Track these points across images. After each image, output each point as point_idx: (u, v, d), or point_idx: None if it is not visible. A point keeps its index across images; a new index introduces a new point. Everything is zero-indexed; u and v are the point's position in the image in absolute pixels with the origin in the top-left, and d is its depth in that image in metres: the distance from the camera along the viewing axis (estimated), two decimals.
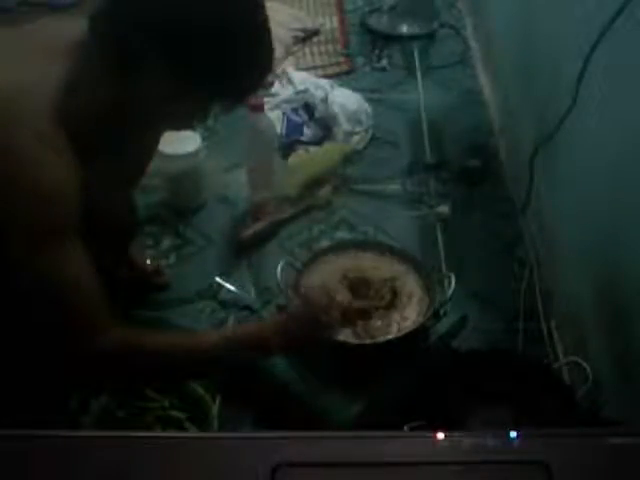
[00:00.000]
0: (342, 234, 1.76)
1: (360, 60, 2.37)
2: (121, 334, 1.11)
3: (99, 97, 1.06)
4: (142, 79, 1.05)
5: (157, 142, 1.44)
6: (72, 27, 1.09)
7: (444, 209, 1.80)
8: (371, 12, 2.56)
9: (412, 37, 2.46)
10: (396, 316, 1.40)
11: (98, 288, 1.08)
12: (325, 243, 1.71)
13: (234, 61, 1.06)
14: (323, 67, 2.32)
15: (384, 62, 2.35)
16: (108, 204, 1.19)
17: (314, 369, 1.32)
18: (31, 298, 1.05)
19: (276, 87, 2.13)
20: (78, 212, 1.04)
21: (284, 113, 2.01)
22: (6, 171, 0.99)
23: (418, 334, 1.35)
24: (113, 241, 1.38)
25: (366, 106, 2.06)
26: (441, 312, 1.39)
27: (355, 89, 2.12)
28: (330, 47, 2.42)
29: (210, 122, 2.03)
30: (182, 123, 1.25)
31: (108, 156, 1.12)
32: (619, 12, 1.15)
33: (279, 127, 1.96)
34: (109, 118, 1.09)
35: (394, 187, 1.87)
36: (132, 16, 1.03)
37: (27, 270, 1.03)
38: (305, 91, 2.05)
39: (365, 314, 1.38)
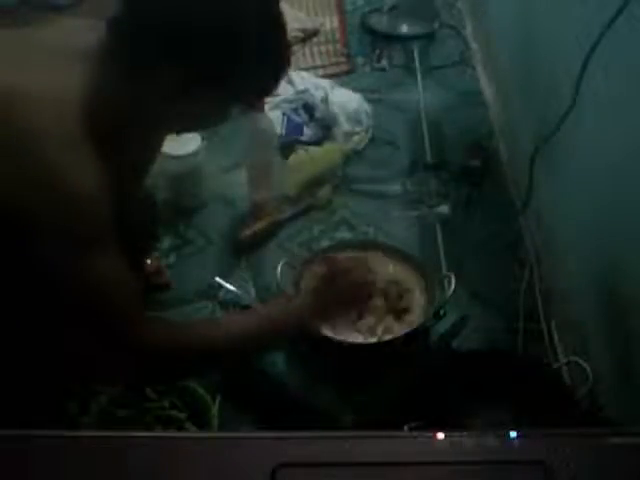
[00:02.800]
0: (342, 234, 1.76)
1: (360, 60, 2.37)
2: (166, 328, 1.12)
3: (120, 101, 1.06)
4: (161, 82, 1.05)
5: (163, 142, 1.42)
6: (84, 29, 1.09)
7: (444, 209, 1.80)
8: (371, 12, 2.56)
9: (412, 37, 2.46)
10: (397, 316, 1.40)
11: (136, 287, 1.09)
12: (325, 243, 1.71)
13: (252, 60, 1.06)
14: (323, 67, 2.32)
15: (384, 62, 2.35)
16: (129, 206, 1.19)
17: (314, 369, 1.32)
18: (70, 299, 1.06)
19: None
20: (110, 215, 1.04)
21: (284, 113, 2.01)
22: (40, 179, 0.98)
23: (418, 334, 1.35)
24: (135, 243, 1.38)
25: (366, 106, 2.06)
26: (441, 312, 1.39)
27: (355, 89, 2.12)
28: (330, 47, 2.42)
29: None
30: (201, 124, 1.25)
31: (128, 160, 1.12)
32: (619, 12, 1.15)
33: (279, 127, 1.95)
34: (130, 122, 1.08)
35: (394, 187, 1.87)
36: (150, 19, 1.02)
37: (68, 274, 1.03)
38: (305, 91, 2.05)
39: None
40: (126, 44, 1.04)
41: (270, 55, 1.09)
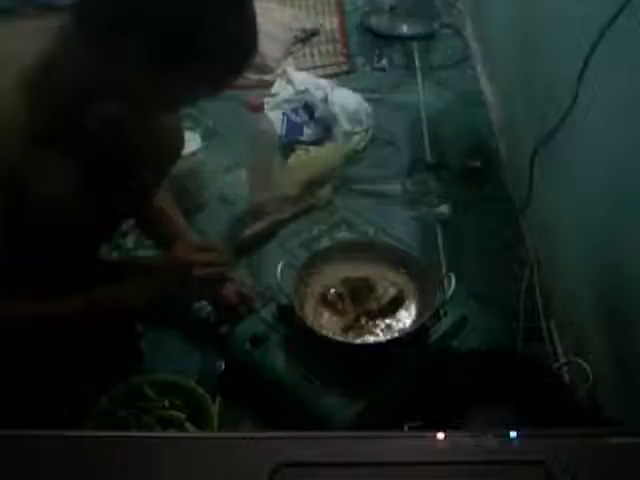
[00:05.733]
0: (342, 234, 1.76)
1: (360, 60, 2.37)
2: None
3: (76, 74, 1.07)
4: (123, 62, 1.05)
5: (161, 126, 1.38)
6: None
7: (444, 209, 1.80)
8: (371, 12, 2.56)
9: (412, 37, 2.46)
10: (397, 316, 1.40)
11: None
12: (325, 243, 1.71)
13: (215, 43, 1.06)
14: (323, 67, 2.33)
15: (384, 62, 2.35)
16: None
17: (314, 369, 1.32)
18: None
19: (276, 87, 2.13)
20: None
21: (284, 113, 2.01)
22: None
23: (418, 334, 1.35)
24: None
25: (366, 106, 2.06)
26: (441, 312, 1.39)
27: (355, 89, 2.13)
28: (330, 47, 2.42)
29: (210, 122, 2.03)
30: (168, 106, 1.23)
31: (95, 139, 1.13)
32: (619, 12, 1.15)
33: (279, 127, 1.95)
34: (92, 98, 1.09)
35: (394, 187, 1.87)
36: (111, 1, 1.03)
37: None
38: (305, 91, 2.05)
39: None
40: (87, 22, 1.05)
41: (237, 38, 1.09)
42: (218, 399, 1.32)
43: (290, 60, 2.32)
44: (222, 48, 1.07)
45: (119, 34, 1.03)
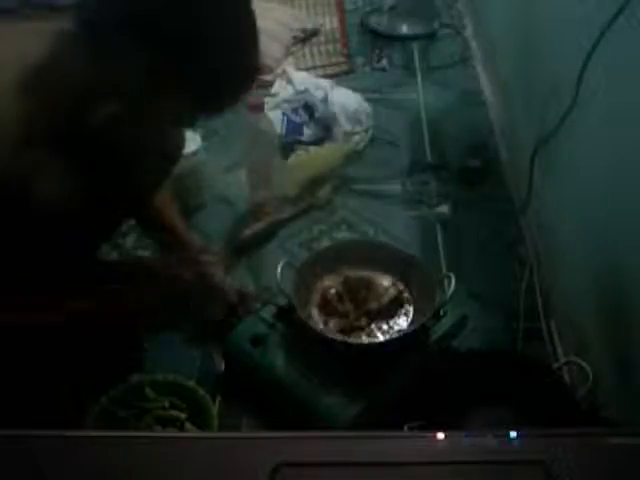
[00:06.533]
0: (342, 234, 1.76)
1: (360, 60, 2.37)
2: None
3: (76, 75, 1.07)
4: (123, 62, 1.05)
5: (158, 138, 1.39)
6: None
7: (444, 209, 1.80)
8: (371, 12, 2.56)
9: (412, 37, 2.47)
10: (397, 316, 1.40)
11: None
12: (325, 243, 1.71)
13: (216, 44, 1.05)
14: (323, 67, 2.33)
15: (384, 62, 2.35)
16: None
17: (314, 369, 1.32)
18: None
19: (276, 87, 2.13)
20: None
21: (284, 113, 2.01)
22: None
23: (418, 334, 1.35)
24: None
25: (366, 106, 2.06)
26: (441, 312, 1.39)
27: (355, 89, 2.12)
28: (330, 47, 2.42)
29: (210, 122, 2.03)
30: (167, 122, 1.22)
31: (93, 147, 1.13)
32: (619, 12, 1.15)
33: (279, 127, 1.95)
34: (92, 99, 1.08)
35: (394, 187, 1.87)
36: (116, 13, 1.03)
37: None
38: (305, 91, 2.05)
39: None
40: (88, 32, 1.04)
41: (237, 62, 1.08)
42: (218, 399, 1.32)
43: (290, 60, 2.32)
44: (223, 51, 1.07)
45: (119, 35, 1.03)
